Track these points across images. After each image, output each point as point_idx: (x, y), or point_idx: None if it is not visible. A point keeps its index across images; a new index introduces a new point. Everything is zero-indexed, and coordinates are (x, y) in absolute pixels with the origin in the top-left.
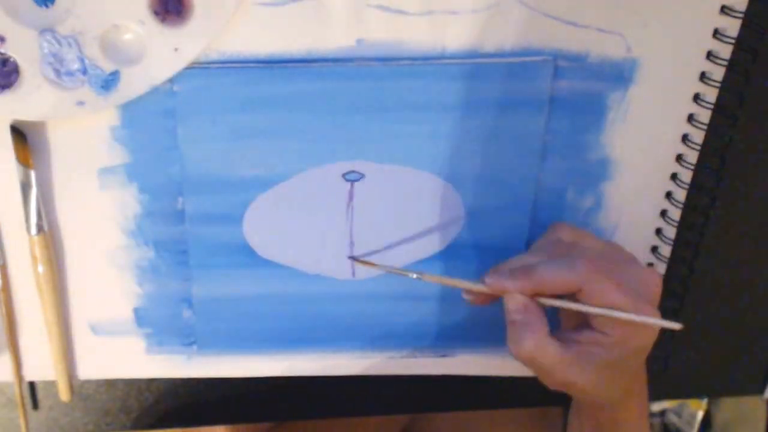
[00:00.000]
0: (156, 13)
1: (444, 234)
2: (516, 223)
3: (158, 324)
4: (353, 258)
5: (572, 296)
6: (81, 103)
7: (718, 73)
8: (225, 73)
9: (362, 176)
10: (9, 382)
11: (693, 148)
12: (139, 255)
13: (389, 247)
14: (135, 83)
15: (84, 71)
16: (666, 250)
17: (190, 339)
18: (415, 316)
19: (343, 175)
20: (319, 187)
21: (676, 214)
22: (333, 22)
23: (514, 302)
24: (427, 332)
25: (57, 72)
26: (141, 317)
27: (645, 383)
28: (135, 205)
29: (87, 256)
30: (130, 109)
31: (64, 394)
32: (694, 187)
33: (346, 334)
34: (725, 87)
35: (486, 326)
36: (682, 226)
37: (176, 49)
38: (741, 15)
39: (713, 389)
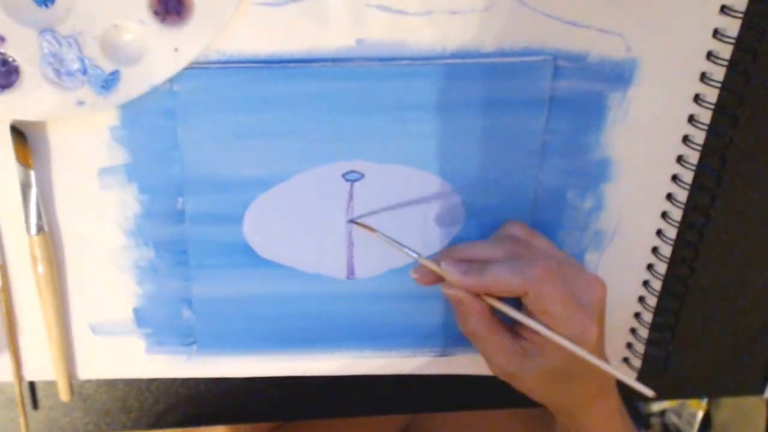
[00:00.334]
0: (156, 13)
1: (444, 234)
2: None
3: (158, 324)
4: (352, 221)
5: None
6: (81, 103)
7: (718, 73)
8: (225, 73)
9: (362, 176)
10: (9, 382)
11: (693, 149)
12: (139, 255)
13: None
14: (135, 83)
15: (84, 71)
16: (666, 251)
17: (190, 339)
18: (415, 316)
19: (343, 175)
20: (319, 187)
21: (676, 214)
22: (333, 22)
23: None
24: (427, 332)
25: (57, 72)
26: (141, 317)
27: (610, 383)
28: (135, 206)
29: (87, 256)
30: (130, 109)
31: (64, 394)
32: (694, 188)
33: (346, 334)
34: (725, 87)
35: None
36: (683, 226)
37: (176, 49)
38: (741, 15)
39: (713, 389)
